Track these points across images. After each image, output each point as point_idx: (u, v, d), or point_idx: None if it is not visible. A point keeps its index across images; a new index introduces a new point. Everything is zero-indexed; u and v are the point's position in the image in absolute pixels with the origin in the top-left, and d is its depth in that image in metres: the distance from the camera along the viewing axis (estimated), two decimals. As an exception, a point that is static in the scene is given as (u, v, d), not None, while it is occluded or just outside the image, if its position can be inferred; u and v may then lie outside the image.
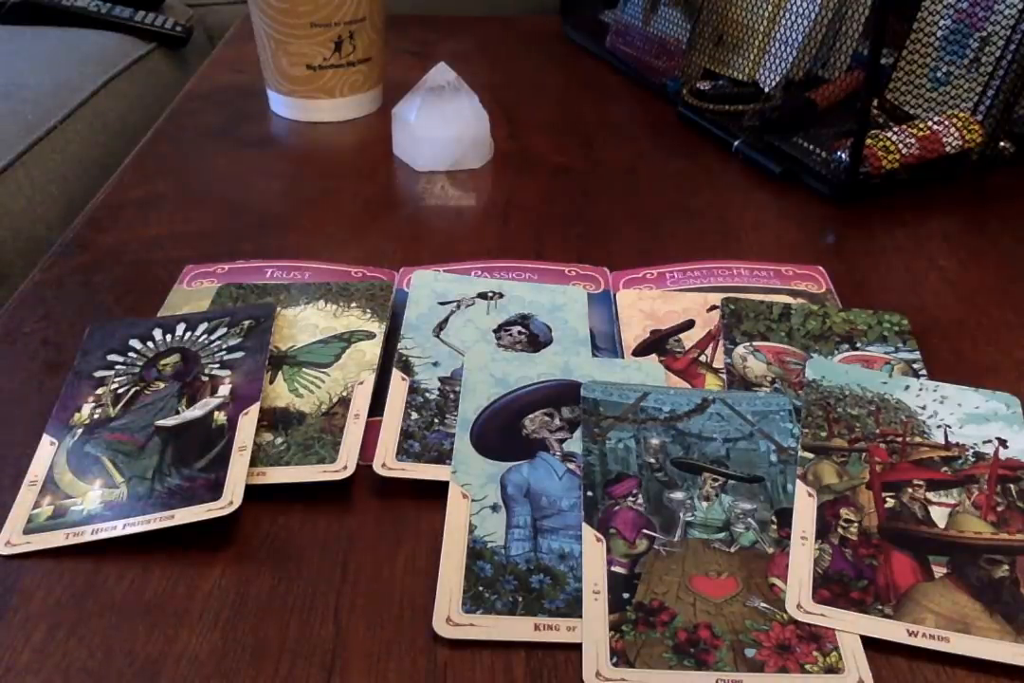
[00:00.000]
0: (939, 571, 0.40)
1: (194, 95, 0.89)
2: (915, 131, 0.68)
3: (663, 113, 0.85)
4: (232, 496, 0.41)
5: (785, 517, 0.42)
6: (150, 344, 0.51)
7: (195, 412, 0.46)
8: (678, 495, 0.42)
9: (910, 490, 0.43)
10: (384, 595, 0.39)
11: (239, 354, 0.49)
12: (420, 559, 0.41)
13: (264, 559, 0.41)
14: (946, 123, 0.69)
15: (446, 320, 0.54)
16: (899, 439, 0.45)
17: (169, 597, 0.39)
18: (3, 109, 0.90)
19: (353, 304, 0.54)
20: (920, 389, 0.48)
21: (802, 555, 0.40)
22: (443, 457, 0.45)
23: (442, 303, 0.55)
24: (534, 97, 0.89)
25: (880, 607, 0.38)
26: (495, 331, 0.53)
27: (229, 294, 0.56)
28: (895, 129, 0.69)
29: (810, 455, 0.44)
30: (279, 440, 0.45)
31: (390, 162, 0.75)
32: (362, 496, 0.44)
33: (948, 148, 0.68)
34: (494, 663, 0.36)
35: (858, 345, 0.52)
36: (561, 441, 0.45)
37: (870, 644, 0.37)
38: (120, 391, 0.48)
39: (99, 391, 0.48)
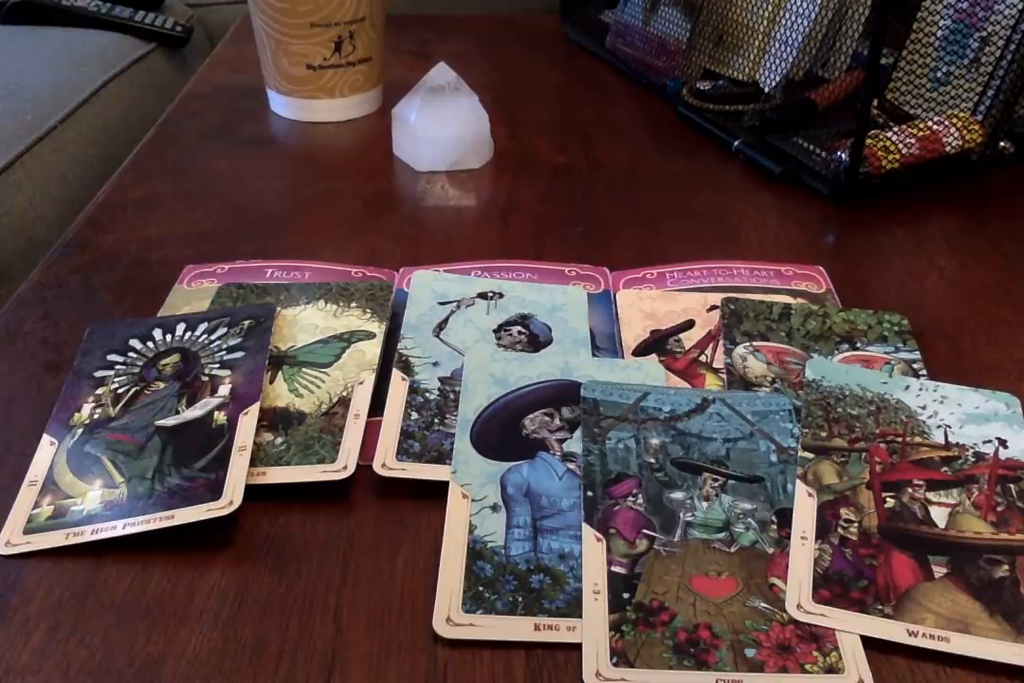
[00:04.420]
0: (939, 571, 0.40)
1: (194, 95, 0.89)
2: (915, 131, 0.68)
3: (663, 113, 0.85)
4: (232, 496, 0.41)
5: (785, 517, 0.42)
6: (150, 344, 0.51)
7: (195, 412, 0.46)
8: (678, 495, 0.42)
9: (910, 490, 0.43)
10: (384, 595, 0.39)
11: (239, 354, 0.49)
12: (420, 559, 0.41)
13: (264, 559, 0.41)
14: (946, 123, 0.69)
15: (446, 320, 0.54)
16: (899, 439, 0.45)
17: (169, 597, 0.39)
18: (3, 109, 0.90)
19: (353, 304, 0.54)
20: (920, 389, 0.48)
21: (802, 555, 0.40)
22: (443, 457, 0.45)
23: (442, 303, 0.55)
24: (534, 97, 0.89)
25: (880, 607, 0.38)
26: (495, 331, 0.53)
27: (229, 294, 0.56)
28: (895, 129, 0.69)
29: (810, 455, 0.44)
30: (279, 440, 0.45)
31: (390, 162, 0.75)
32: (362, 496, 0.44)
33: (948, 148, 0.68)
34: (494, 663, 0.36)
35: (858, 345, 0.52)
36: (561, 441, 0.45)
37: (870, 644, 0.37)
38: (120, 391, 0.48)
39: (99, 391, 0.48)
